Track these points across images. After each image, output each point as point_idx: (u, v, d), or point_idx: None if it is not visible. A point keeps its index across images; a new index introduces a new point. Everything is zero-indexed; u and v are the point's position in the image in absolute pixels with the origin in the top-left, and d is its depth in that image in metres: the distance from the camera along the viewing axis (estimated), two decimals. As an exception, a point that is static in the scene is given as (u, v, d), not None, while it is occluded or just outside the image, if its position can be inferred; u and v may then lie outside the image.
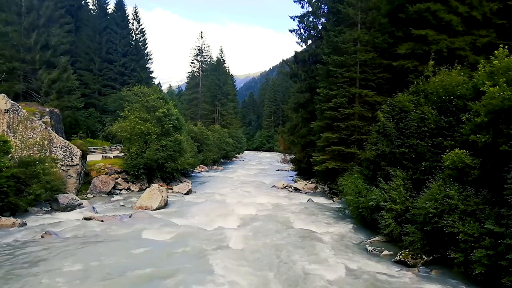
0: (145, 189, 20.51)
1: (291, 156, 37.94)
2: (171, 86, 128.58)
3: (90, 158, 23.89)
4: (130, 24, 49.50)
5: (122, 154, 26.48)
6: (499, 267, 8.02)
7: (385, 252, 11.34)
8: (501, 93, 9.07)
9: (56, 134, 20.07)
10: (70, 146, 19.89)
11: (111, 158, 26.83)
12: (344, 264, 10.30)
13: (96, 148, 31.63)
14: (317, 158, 22.52)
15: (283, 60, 37.93)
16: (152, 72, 53.40)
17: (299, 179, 29.95)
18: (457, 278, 9.24)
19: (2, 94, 18.99)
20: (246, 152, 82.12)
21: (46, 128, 19.53)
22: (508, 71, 9.77)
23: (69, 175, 19.57)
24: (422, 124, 12.34)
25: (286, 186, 26.88)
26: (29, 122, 18.88)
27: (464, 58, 16.45)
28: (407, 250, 10.66)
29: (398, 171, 12.64)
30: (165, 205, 18.30)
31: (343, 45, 21.35)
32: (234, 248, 11.57)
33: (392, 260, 10.70)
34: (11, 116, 18.43)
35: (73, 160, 19.72)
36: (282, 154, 49.94)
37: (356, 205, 14.22)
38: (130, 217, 15.49)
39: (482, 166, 9.77)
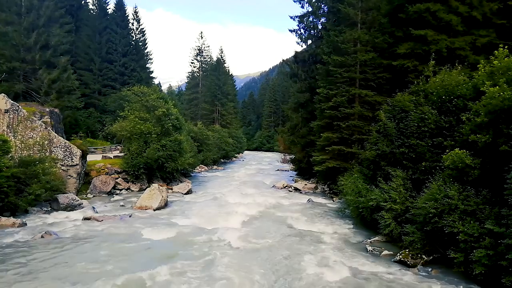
0: (145, 189, 20.50)
1: (291, 156, 37.95)
2: (171, 86, 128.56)
3: (90, 158, 23.89)
4: (130, 24, 49.47)
5: (122, 154, 26.48)
6: (499, 267, 8.02)
7: (385, 252, 11.34)
8: (501, 93, 9.08)
9: (56, 134, 20.07)
10: (70, 146, 19.89)
11: (111, 158, 26.83)
12: (344, 264, 10.30)
13: (96, 148, 31.61)
14: (317, 158, 22.51)
15: (283, 60, 37.90)
16: (152, 72, 53.42)
17: (299, 179, 29.95)
18: (457, 278, 9.24)
19: (2, 94, 18.99)
20: (246, 152, 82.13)
21: (46, 128, 19.53)
22: (508, 71, 9.78)
23: (69, 175, 19.56)
24: (422, 124, 12.34)
25: (286, 186, 26.88)
26: (29, 122, 18.88)
27: (464, 58, 16.47)
28: (407, 250, 10.66)
29: (398, 171, 12.63)
30: (165, 205, 18.29)
31: (343, 45, 21.35)
32: (234, 248, 11.57)
33: (392, 260, 10.70)
34: (11, 116, 18.44)
35: (73, 160, 19.72)
36: (282, 154, 49.95)
37: (356, 205, 14.22)
38: (130, 217, 15.50)
39: (482, 166, 9.77)
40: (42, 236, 11.97)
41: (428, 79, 13.87)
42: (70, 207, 16.60)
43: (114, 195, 21.37)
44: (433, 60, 14.66)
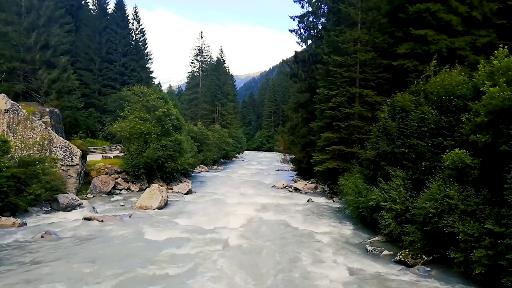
0: (145, 189, 20.51)
1: (291, 156, 37.92)
2: (171, 86, 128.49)
3: (90, 158, 23.89)
4: (130, 24, 49.55)
5: (122, 154, 26.49)
6: (499, 267, 8.02)
7: (385, 252, 11.34)
8: (501, 93, 9.07)
9: (56, 134, 20.06)
10: (70, 146, 19.89)
11: (111, 158, 26.83)
12: (344, 264, 10.31)
13: (96, 148, 31.62)
14: (318, 158, 22.51)
15: (283, 60, 37.88)
16: (152, 72, 53.49)
17: (299, 179, 29.94)
18: (457, 278, 9.23)
19: (2, 94, 18.99)
20: (246, 152, 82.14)
21: (46, 128, 19.52)
22: (508, 71, 9.77)
23: (69, 175, 19.56)
24: (422, 124, 12.33)
25: (286, 186, 26.88)
26: (29, 122, 18.88)
27: (464, 58, 16.47)
28: (407, 250, 10.66)
29: (398, 171, 12.63)
30: (165, 205, 18.29)
31: (343, 45, 21.35)
32: (234, 248, 11.58)
33: (392, 260, 10.70)
34: (11, 116, 18.43)
35: (73, 160, 19.72)
36: (282, 154, 49.91)
37: (356, 205, 14.21)
38: (130, 217, 15.49)
39: (482, 166, 9.77)
40: (42, 236, 11.97)
41: (429, 79, 13.86)
42: (70, 207, 16.59)
43: (114, 195, 21.37)
44: (435, 60, 14.64)
